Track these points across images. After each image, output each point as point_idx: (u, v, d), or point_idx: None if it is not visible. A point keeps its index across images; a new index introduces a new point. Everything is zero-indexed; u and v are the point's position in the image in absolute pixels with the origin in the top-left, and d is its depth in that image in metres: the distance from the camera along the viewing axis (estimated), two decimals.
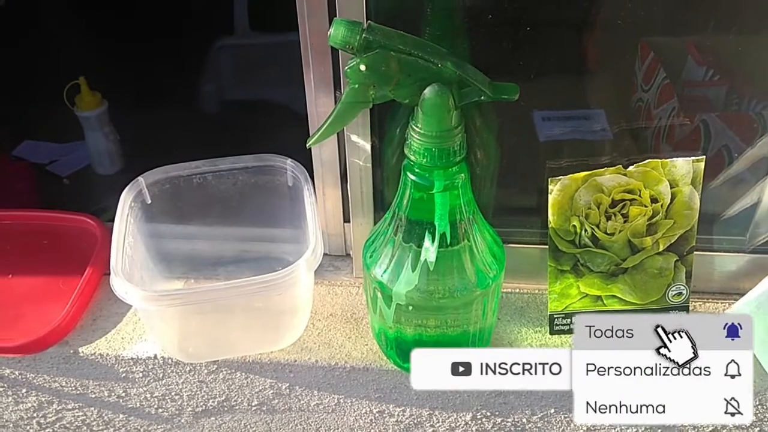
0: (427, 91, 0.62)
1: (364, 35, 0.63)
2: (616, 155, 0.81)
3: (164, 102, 1.33)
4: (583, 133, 0.84)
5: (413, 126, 0.64)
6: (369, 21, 0.64)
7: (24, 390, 0.85)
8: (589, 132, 0.84)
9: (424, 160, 0.65)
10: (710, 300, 0.85)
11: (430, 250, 0.68)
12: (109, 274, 0.74)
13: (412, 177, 0.66)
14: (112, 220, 0.91)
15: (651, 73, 0.83)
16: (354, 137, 0.77)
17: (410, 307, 0.71)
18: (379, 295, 0.73)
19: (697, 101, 0.84)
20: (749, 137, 0.81)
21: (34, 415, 0.88)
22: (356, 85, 0.65)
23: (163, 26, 1.32)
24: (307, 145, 0.71)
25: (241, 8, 1.44)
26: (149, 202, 0.83)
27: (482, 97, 0.65)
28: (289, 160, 0.83)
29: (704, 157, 0.75)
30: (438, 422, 0.83)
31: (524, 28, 0.74)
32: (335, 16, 0.69)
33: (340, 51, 0.70)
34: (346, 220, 0.86)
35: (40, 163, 1.26)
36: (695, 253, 0.79)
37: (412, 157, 0.65)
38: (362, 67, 0.64)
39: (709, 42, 0.81)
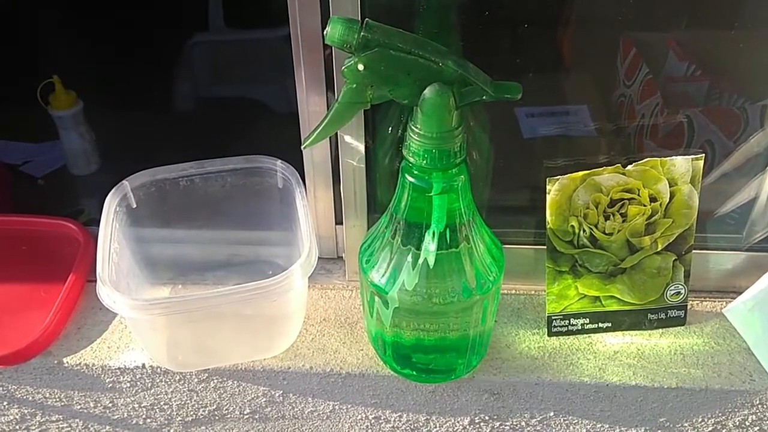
0: (428, 91, 0.61)
1: (362, 33, 0.60)
2: (613, 154, 0.80)
3: (140, 100, 1.30)
4: (566, 129, 0.84)
5: (412, 127, 0.63)
6: (367, 18, 0.62)
7: (5, 402, 0.82)
8: (572, 128, 0.83)
9: (424, 161, 0.63)
10: (707, 298, 0.85)
11: (430, 252, 0.66)
12: (92, 280, 0.72)
13: (411, 179, 0.65)
14: (90, 223, 0.89)
15: (633, 68, 0.82)
16: (347, 138, 0.75)
17: (409, 311, 0.69)
18: (377, 299, 0.71)
19: (679, 96, 0.83)
20: (732, 131, 0.80)
21: (17, 427, 0.84)
22: (354, 85, 0.63)
23: (137, 24, 1.29)
24: (303, 147, 0.69)
25: (216, 4, 1.41)
26: (135, 206, 0.80)
27: (484, 97, 0.63)
28: (279, 162, 0.81)
29: (703, 155, 0.74)
30: (435, 427, 0.82)
31: (508, 26, 0.73)
32: (328, 13, 0.67)
33: (333, 49, 0.68)
34: (338, 222, 0.84)
35: (14, 164, 1.22)
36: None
37: (411, 159, 0.64)
38: (360, 67, 0.61)
39: (689, 38, 0.80)
